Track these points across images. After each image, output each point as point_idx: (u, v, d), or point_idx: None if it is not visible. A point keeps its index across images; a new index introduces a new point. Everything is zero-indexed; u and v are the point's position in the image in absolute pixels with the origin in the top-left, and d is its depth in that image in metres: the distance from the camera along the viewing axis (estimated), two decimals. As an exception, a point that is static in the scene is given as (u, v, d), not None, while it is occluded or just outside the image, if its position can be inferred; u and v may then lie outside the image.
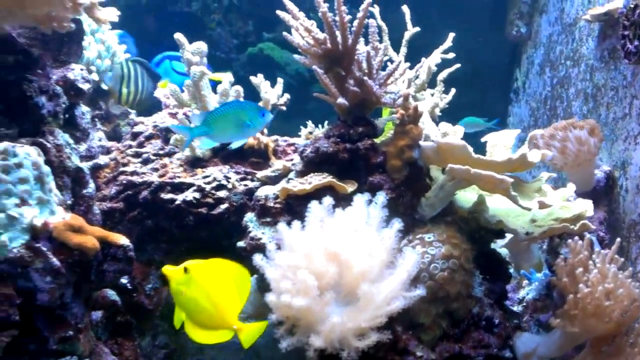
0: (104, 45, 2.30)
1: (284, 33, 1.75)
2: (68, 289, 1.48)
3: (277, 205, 1.75)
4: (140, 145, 2.07)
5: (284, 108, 2.19)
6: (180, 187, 1.90)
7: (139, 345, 1.79)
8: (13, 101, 1.68)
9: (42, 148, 1.60)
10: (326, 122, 2.26)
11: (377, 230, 1.50)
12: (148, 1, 3.93)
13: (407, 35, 2.08)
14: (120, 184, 1.93)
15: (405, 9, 2.12)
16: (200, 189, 1.89)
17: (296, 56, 1.80)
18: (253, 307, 2.29)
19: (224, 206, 1.87)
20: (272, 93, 2.14)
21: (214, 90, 2.09)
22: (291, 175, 1.83)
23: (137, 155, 2.03)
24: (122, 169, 1.97)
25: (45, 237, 1.45)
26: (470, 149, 1.59)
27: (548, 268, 1.89)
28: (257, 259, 1.49)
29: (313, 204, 1.53)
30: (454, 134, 1.90)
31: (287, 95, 2.20)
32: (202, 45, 2.06)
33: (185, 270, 1.33)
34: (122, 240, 1.57)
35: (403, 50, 2.05)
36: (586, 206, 1.69)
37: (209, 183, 1.89)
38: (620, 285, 1.52)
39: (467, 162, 1.58)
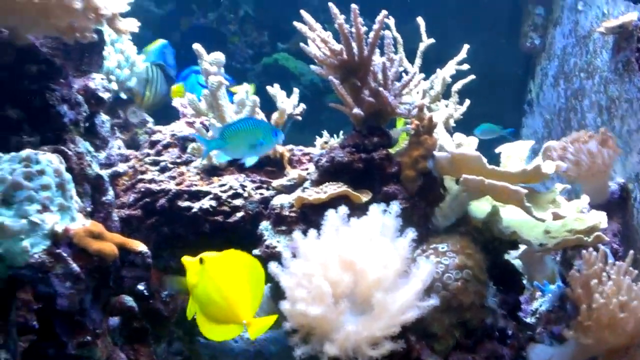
0: (124, 55, 2.35)
1: (301, 44, 1.78)
2: (87, 294, 1.49)
3: (293, 214, 1.77)
4: (158, 153, 2.10)
5: (300, 118, 2.22)
6: (197, 195, 1.93)
7: (155, 351, 1.80)
8: (36, 110, 1.72)
9: (63, 156, 1.63)
10: (341, 132, 2.28)
11: (391, 240, 1.51)
12: (166, 13, 4.00)
13: (422, 46, 2.10)
14: (138, 191, 1.96)
15: (420, 20, 2.14)
16: (216, 197, 1.91)
17: (313, 67, 1.83)
18: (266, 315, 2.31)
19: (239, 214, 1.90)
20: (288, 103, 2.17)
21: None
22: (306, 184, 1.85)
23: (155, 163, 2.06)
24: (140, 176, 2.00)
25: (66, 243, 1.47)
26: (485, 159, 1.61)
27: (561, 280, 1.89)
28: (272, 267, 1.49)
29: (329, 213, 1.54)
30: (468, 144, 1.91)
31: (302, 105, 2.22)
32: (219, 56, 2.09)
33: (201, 261, 1.32)
34: (140, 247, 1.59)
35: (418, 61, 2.08)
36: (600, 218, 1.69)
37: (225, 191, 1.92)
38: (635, 297, 1.52)
39: (481, 172, 1.59)
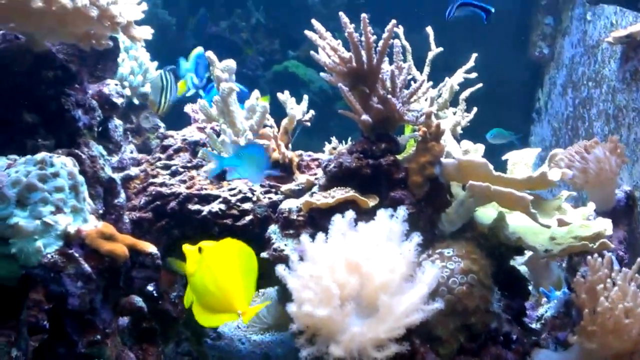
0: (137, 62, 2.39)
1: (311, 52, 1.81)
2: (98, 294, 1.52)
3: (300, 218, 1.79)
4: (170, 157, 2.14)
5: (309, 124, 2.25)
6: (207, 199, 1.96)
7: (163, 351, 1.83)
8: (51, 114, 1.76)
9: (77, 159, 1.67)
10: (349, 139, 2.30)
11: (397, 244, 1.53)
12: (178, 21, 4.05)
13: (430, 55, 2.13)
14: (149, 194, 1.99)
15: (429, 30, 2.16)
16: (225, 201, 1.94)
17: (322, 74, 1.85)
18: (274, 318, 2.33)
19: (248, 218, 1.93)
20: (298, 109, 2.20)
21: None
22: (314, 189, 1.87)
23: (166, 167, 2.10)
24: (151, 180, 2.03)
25: (78, 244, 1.50)
26: (491, 166, 1.62)
27: (567, 286, 1.90)
28: (280, 269, 1.51)
29: (336, 217, 1.57)
30: (475, 151, 1.93)
31: (312, 112, 2.25)
32: (231, 63, 2.12)
33: (200, 250, 1.32)
34: (151, 248, 1.62)
35: (426, 69, 2.10)
36: (605, 225, 1.70)
37: (234, 195, 1.95)
38: (640, 304, 1.52)
39: (488, 179, 1.61)
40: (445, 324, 1.56)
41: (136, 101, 2.41)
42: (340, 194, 1.73)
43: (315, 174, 2.01)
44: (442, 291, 1.55)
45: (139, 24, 1.88)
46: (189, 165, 2.10)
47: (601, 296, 1.52)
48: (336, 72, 1.80)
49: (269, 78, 4.12)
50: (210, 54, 2.12)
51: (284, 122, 2.16)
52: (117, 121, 2.08)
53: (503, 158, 1.93)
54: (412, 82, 1.84)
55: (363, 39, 1.74)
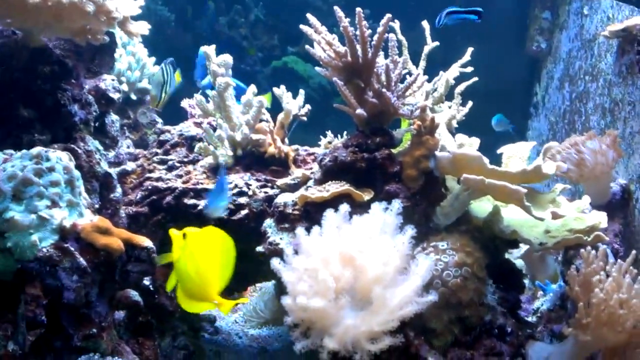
0: (134, 57, 2.39)
1: (307, 46, 1.81)
2: (93, 288, 1.53)
3: (296, 212, 1.80)
4: (166, 152, 2.15)
5: (305, 119, 2.25)
6: (203, 193, 1.96)
7: (159, 345, 1.84)
8: (48, 109, 1.76)
9: (73, 153, 1.67)
10: (345, 133, 2.31)
11: (391, 237, 1.53)
12: (176, 17, 4.05)
13: (426, 49, 2.13)
14: (145, 189, 2.00)
15: (425, 24, 2.16)
16: (221, 196, 1.94)
17: (318, 68, 1.86)
18: (271, 312, 2.34)
19: (244, 212, 1.93)
20: (294, 104, 2.20)
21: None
22: (310, 183, 1.88)
23: (162, 162, 2.10)
24: (147, 175, 2.04)
25: (74, 238, 1.51)
26: (486, 159, 1.62)
27: (563, 279, 1.90)
28: (275, 263, 1.52)
29: (329, 212, 1.57)
30: (469, 145, 1.93)
31: (307, 106, 2.25)
32: (227, 58, 2.13)
33: (184, 236, 1.32)
34: (146, 242, 1.63)
35: (422, 63, 2.10)
36: (600, 218, 1.70)
37: (230, 189, 1.95)
38: (635, 295, 1.52)
39: (482, 172, 1.61)
40: (440, 316, 1.56)
41: (133, 96, 2.41)
42: (335, 187, 1.73)
43: (311, 168, 2.02)
44: (436, 284, 1.55)
45: (137, 20, 1.89)
46: (185, 160, 2.10)
47: (595, 288, 1.53)
48: (331, 67, 1.80)
49: (268, 74, 4.12)
50: (206, 48, 2.12)
51: (280, 116, 2.17)
52: (113, 116, 2.09)
53: (498, 152, 1.94)
54: (407, 76, 1.84)
55: (358, 33, 1.74)
